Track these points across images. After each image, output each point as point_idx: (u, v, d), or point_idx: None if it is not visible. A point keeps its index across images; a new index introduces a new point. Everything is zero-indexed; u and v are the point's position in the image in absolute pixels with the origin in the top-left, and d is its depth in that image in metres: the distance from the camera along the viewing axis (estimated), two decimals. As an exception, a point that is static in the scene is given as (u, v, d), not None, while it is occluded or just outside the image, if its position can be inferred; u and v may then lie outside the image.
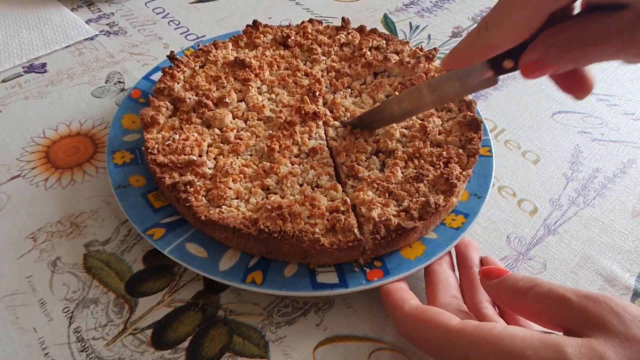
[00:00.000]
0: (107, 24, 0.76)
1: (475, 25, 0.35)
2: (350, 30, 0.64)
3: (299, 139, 0.49)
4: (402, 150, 0.48)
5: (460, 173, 0.45)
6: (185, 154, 0.46)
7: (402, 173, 0.46)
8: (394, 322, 0.37)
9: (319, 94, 0.54)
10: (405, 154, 0.48)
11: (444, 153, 0.47)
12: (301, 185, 0.45)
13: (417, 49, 0.60)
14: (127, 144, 0.51)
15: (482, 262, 0.43)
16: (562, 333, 0.30)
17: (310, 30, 0.64)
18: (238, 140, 0.49)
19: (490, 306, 0.38)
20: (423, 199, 0.43)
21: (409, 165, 0.47)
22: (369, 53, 0.60)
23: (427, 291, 0.41)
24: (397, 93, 0.54)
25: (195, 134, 0.49)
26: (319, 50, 0.61)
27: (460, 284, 0.41)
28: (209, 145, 0.49)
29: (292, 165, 0.47)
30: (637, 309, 0.28)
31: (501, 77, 0.37)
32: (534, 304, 0.32)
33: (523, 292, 0.33)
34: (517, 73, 0.34)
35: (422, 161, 0.47)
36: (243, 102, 0.54)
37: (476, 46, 0.33)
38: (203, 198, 0.43)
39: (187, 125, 0.50)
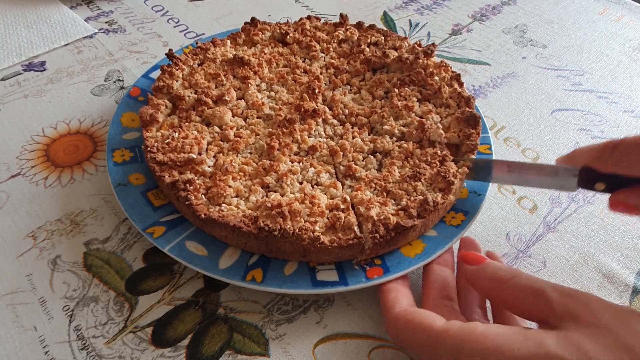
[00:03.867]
0: (106, 22, 0.75)
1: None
2: (348, 27, 0.64)
3: (299, 137, 0.49)
4: (399, 150, 0.48)
5: (457, 170, 0.45)
6: (184, 152, 0.46)
7: (399, 172, 0.46)
8: (385, 325, 0.38)
9: (318, 91, 0.54)
10: (402, 154, 0.47)
11: (439, 152, 0.47)
12: (301, 183, 0.45)
13: (416, 45, 0.60)
14: (127, 142, 0.51)
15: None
16: (536, 324, 0.32)
17: (308, 27, 0.64)
18: (238, 138, 0.49)
19: (480, 311, 0.39)
20: (421, 197, 0.43)
21: (406, 164, 0.47)
22: (367, 49, 0.60)
23: (422, 290, 0.41)
24: (396, 90, 0.54)
25: (195, 132, 0.49)
26: (318, 47, 0.61)
27: (457, 285, 0.41)
28: (209, 143, 0.49)
29: (292, 163, 0.47)
30: (605, 302, 0.30)
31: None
32: (512, 294, 0.33)
33: (502, 281, 0.34)
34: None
35: (417, 160, 0.47)
36: (242, 100, 0.54)
37: (602, 159, 0.37)
38: (203, 196, 0.43)
39: (186, 123, 0.50)
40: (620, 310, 0.29)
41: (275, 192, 0.44)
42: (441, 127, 0.49)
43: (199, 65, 0.58)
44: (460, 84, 0.54)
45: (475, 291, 0.39)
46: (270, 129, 0.50)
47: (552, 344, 0.28)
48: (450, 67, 0.57)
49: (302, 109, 0.51)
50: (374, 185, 0.45)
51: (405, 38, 0.62)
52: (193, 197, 0.42)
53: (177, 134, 0.48)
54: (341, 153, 0.48)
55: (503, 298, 0.34)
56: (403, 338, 0.35)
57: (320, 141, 0.49)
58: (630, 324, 0.28)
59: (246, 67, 0.56)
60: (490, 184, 0.47)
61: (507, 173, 0.44)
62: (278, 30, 0.63)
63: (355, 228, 0.41)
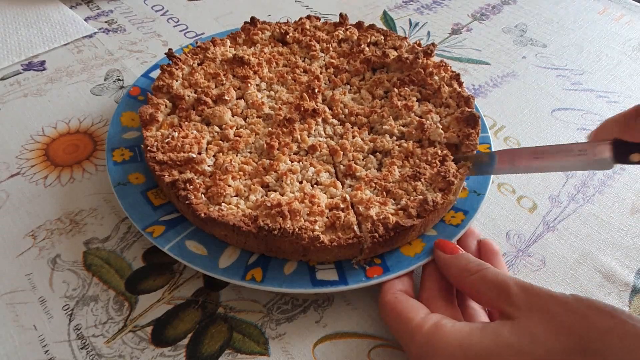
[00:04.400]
0: (106, 22, 0.75)
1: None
2: (348, 26, 0.64)
3: (298, 136, 0.49)
4: (399, 150, 0.48)
5: (457, 170, 0.45)
6: (184, 152, 0.46)
7: (399, 172, 0.46)
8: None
9: (318, 91, 0.54)
10: (402, 153, 0.47)
11: (439, 152, 0.47)
12: (301, 182, 0.45)
13: (416, 44, 0.60)
14: (127, 142, 0.51)
15: (480, 245, 0.43)
16: (497, 313, 0.35)
17: (308, 27, 0.64)
18: (237, 138, 0.49)
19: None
20: (421, 197, 0.43)
21: (406, 164, 0.47)
22: (367, 49, 0.60)
23: (420, 280, 0.41)
24: (395, 89, 0.54)
25: (195, 132, 0.49)
26: (318, 46, 0.61)
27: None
28: (209, 143, 0.49)
29: (292, 162, 0.47)
30: (559, 297, 0.32)
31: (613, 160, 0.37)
32: (478, 284, 0.36)
33: (471, 272, 0.36)
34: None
35: (417, 160, 0.47)
36: (242, 100, 0.54)
37: (629, 127, 0.36)
38: (202, 195, 0.43)
39: (186, 123, 0.50)
40: (568, 300, 0.32)
41: (275, 191, 0.44)
42: (441, 126, 0.49)
43: (198, 64, 0.58)
44: (460, 84, 0.54)
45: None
46: (270, 129, 0.50)
47: (506, 334, 0.31)
48: (450, 67, 0.57)
49: (302, 109, 0.51)
50: (373, 185, 0.45)
51: (405, 38, 0.62)
52: (193, 197, 0.42)
53: (176, 133, 0.48)
54: (341, 152, 0.48)
55: (468, 287, 0.37)
56: (389, 325, 0.37)
57: (320, 140, 0.49)
58: (574, 309, 0.31)
59: (246, 66, 0.56)
60: (490, 183, 0.47)
61: (534, 160, 0.42)
62: (278, 30, 0.63)
63: (355, 227, 0.41)
